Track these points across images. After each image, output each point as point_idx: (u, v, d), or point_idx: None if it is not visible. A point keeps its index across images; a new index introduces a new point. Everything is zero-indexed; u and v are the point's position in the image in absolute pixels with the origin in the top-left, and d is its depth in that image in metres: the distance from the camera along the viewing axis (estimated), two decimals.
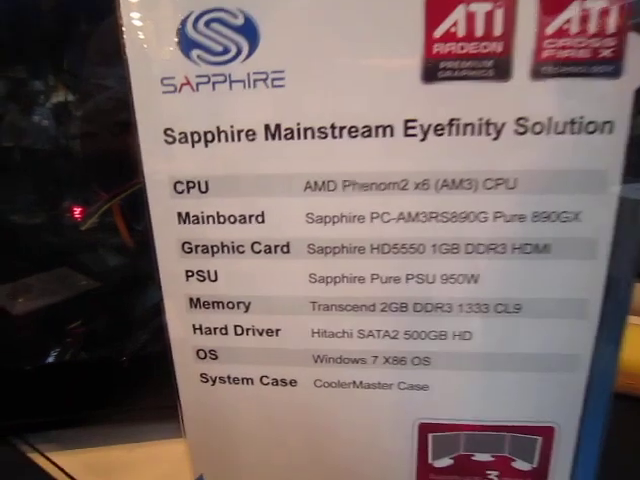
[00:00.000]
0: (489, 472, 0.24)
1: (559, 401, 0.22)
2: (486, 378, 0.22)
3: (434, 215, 0.20)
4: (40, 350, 0.36)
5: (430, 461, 0.24)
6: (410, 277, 0.21)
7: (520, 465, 0.24)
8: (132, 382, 0.35)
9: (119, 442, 0.35)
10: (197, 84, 0.20)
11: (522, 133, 0.19)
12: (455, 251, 0.20)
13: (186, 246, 0.22)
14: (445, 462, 0.24)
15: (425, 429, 0.23)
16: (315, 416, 0.24)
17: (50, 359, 0.35)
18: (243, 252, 0.21)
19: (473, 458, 0.24)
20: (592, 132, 0.19)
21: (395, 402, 0.23)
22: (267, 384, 0.24)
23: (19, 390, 0.35)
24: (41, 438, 0.36)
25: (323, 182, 0.20)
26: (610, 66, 0.18)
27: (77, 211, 0.38)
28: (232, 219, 0.21)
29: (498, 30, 0.18)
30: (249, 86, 0.19)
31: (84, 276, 0.40)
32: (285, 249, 0.21)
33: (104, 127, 0.36)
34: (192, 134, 0.20)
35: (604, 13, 0.17)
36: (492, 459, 0.24)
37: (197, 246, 0.22)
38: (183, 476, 0.27)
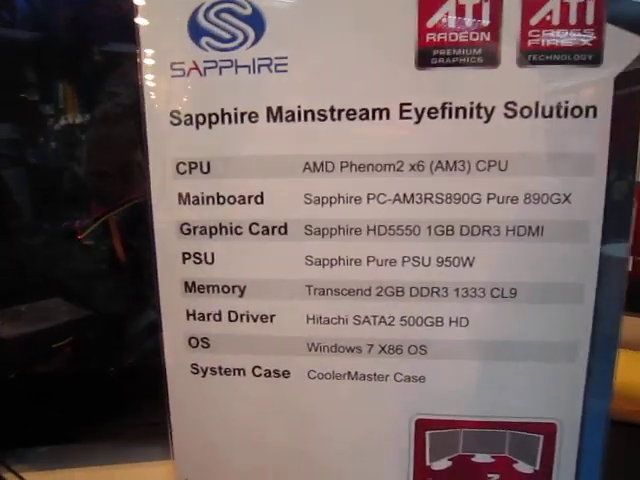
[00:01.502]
0: (490, 476, 0.23)
1: (559, 394, 0.22)
2: (483, 368, 0.22)
3: (429, 196, 0.21)
4: (18, 365, 0.35)
5: (428, 463, 0.23)
6: (406, 260, 0.21)
7: (522, 467, 0.23)
8: (116, 400, 0.34)
9: (100, 463, 0.34)
10: (205, 69, 0.21)
11: (511, 116, 0.20)
12: (450, 233, 0.21)
13: (185, 227, 0.22)
14: (443, 464, 0.23)
15: (422, 425, 0.23)
16: (307, 411, 0.23)
17: (28, 373, 0.34)
18: (241, 233, 0.22)
19: (473, 459, 0.23)
20: (577, 116, 0.20)
21: (391, 395, 0.22)
22: (259, 375, 0.23)
23: None
24: (17, 458, 0.34)
25: (321, 163, 0.21)
26: (590, 54, 0.19)
27: (75, 235, 0.38)
28: (231, 200, 0.22)
29: (486, 20, 0.19)
30: (254, 71, 0.21)
31: (75, 305, 0.40)
32: (282, 230, 0.21)
33: (105, 144, 0.37)
34: (197, 116, 0.21)
35: (582, 6, 0.19)
36: (492, 460, 0.23)
37: (195, 227, 0.22)
38: None
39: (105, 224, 0.36)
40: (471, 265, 0.21)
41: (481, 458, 0.23)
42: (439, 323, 0.22)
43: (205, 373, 0.23)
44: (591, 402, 0.22)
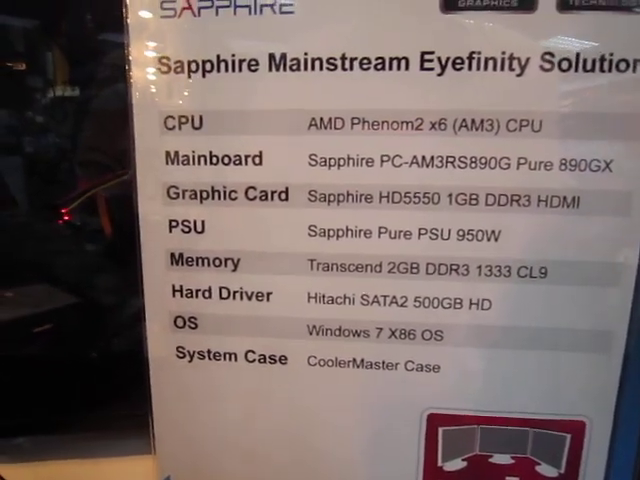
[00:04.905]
0: (509, 479, 0.20)
1: (590, 389, 0.19)
2: (506, 358, 0.19)
3: (451, 160, 0.18)
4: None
5: (440, 463, 0.20)
6: (423, 232, 0.19)
7: (545, 470, 0.20)
8: (98, 389, 0.31)
9: (79, 456, 0.31)
10: (199, 9, 0.18)
11: (548, 69, 0.17)
12: (474, 203, 0.18)
13: (172, 191, 0.19)
14: (457, 464, 0.20)
15: (435, 421, 0.20)
16: (306, 402, 0.20)
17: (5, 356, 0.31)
18: (235, 199, 0.19)
19: (490, 460, 0.20)
20: (623, 71, 0.17)
21: (401, 387, 0.20)
22: (253, 361, 0.20)
23: None
24: None
25: (329, 119, 0.18)
26: None
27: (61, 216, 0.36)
28: (226, 160, 0.19)
29: None
30: (255, 12, 0.18)
31: (62, 291, 0.37)
32: (283, 196, 0.19)
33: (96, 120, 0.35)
34: (189, 63, 0.19)
35: None
36: (512, 462, 0.20)
37: (185, 191, 0.19)
38: None
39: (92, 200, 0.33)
40: (496, 240, 0.19)
41: (500, 459, 0.20)
42: (457, 305, 0.19)
43: (192, 358, 0.21)
44: (625, 398, 0.19)
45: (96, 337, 0.31)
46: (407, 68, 0.18)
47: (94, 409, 0.31)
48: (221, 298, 0.20)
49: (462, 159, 0.18)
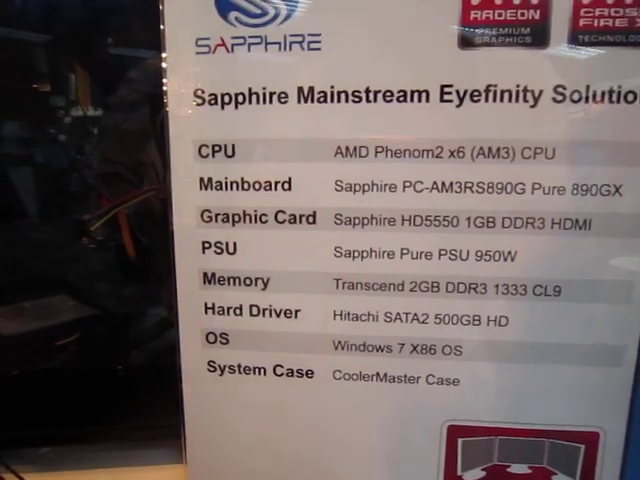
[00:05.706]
0: None
1: (603, 401, 0.20)
2: (523, 372, 0.20)
3: (469, 185, 0.19)
4: (22, 361, 0.33)
5: (459, 473, 0.21)
6: (443, 253, 0.20)
7: None
8: (124, 398, 0.32)
9: (105, 465, 0.32)
10: (232, 45, 0.19)
11: (560, 101, 0.19)
12: (491, 225, 0.19)
13: (205, 214, 0.21)
14: (476, 474, 0.21)
15: (454, 432, 0.21)
16: (332, 414, 0.21)
17: (30, 370, 0.33)
18: (266, 222, 0.20)
19: (508, 470, 0.21)
20: (631, 102, 0.18)
21: (422, 399, 0.21)
22: (281, 375, 0.21)
23: None
24: (18, 458, 0.32)
25: (354, 148, 0.19)
26: None
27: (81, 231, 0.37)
28: (257, 186, 0.20)
29: None
30: (285, 48, 0.19)
31: (80, 303, 0.38)
32: (311, 219, 0.20)
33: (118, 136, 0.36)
34: (223, 96, 0.20)
35: None
36: (529, 472, 0.21)
37: (217, 215, 0.21)
38: None
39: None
40: (512, 260, 0.20)
41: (517, 469, 0.21)
42: (476, 322, 0.20)
43: (223, 372, 0.22)
44: (637, 410, 0.20)
45: (131, 350, 0.32)
46: (427, 100, 0.19)
47: (127, 420, 0.32)
48: (251, 315, 0.21)
49: (480, 185, 0.19)
